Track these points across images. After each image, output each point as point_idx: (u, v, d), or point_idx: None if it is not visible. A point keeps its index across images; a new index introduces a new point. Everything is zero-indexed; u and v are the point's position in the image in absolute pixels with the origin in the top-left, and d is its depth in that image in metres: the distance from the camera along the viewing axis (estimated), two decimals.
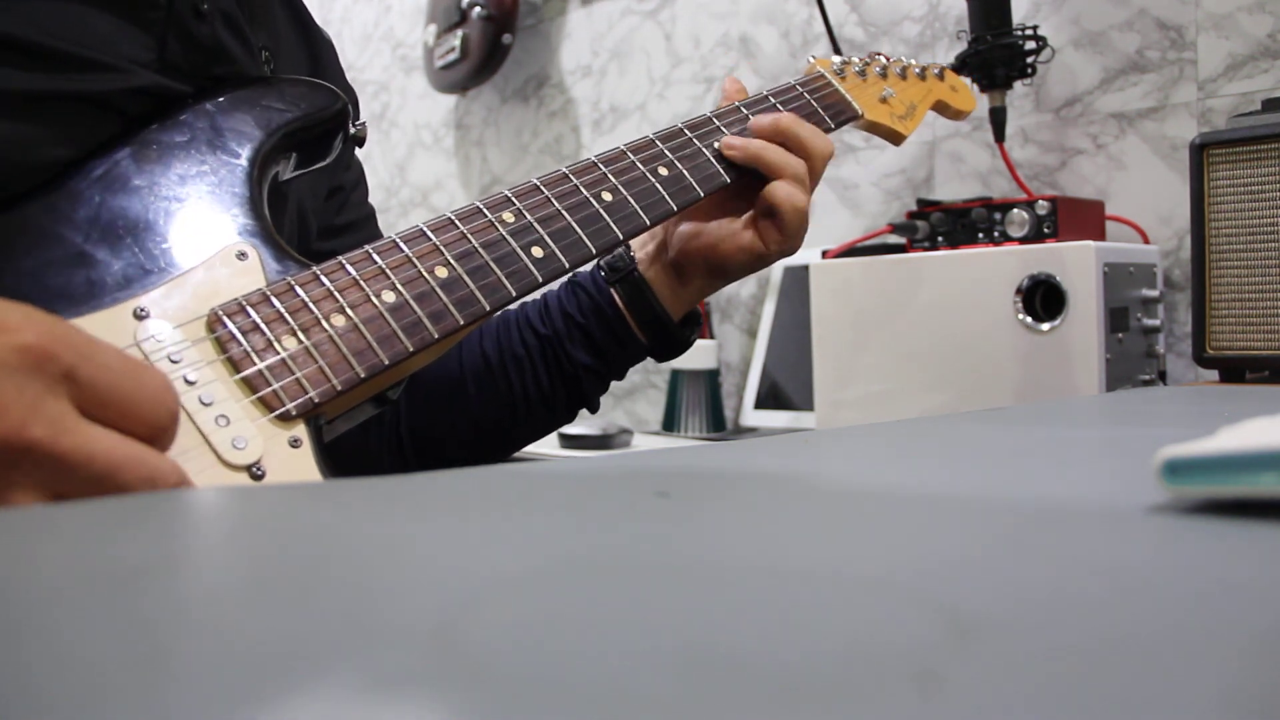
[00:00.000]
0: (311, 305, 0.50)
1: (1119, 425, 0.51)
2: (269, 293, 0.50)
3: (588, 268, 0.69)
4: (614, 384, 0.77)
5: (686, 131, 0.69)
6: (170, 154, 0.54)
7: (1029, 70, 1.08)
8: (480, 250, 0.56)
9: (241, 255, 0.52)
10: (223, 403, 0.46)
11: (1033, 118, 1.21)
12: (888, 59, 0.83)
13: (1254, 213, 0.79)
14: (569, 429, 1.25)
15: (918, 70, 0.85)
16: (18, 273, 0.48)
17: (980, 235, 1.01)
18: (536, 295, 0.71)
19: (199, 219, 0.53)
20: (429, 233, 0.56)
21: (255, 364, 0.48)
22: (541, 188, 0.61)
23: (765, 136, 0.70)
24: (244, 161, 0.56)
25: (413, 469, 0.75)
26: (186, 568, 0.23)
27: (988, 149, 1.24)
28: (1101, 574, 0.21)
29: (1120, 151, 1.14)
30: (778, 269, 1.41)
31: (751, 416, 1.40)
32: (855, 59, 0.81)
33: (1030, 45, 1.07)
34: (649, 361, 0.79)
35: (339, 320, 0.50)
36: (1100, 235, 1.04)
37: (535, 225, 0.59)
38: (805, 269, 1.13)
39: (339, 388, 0.49)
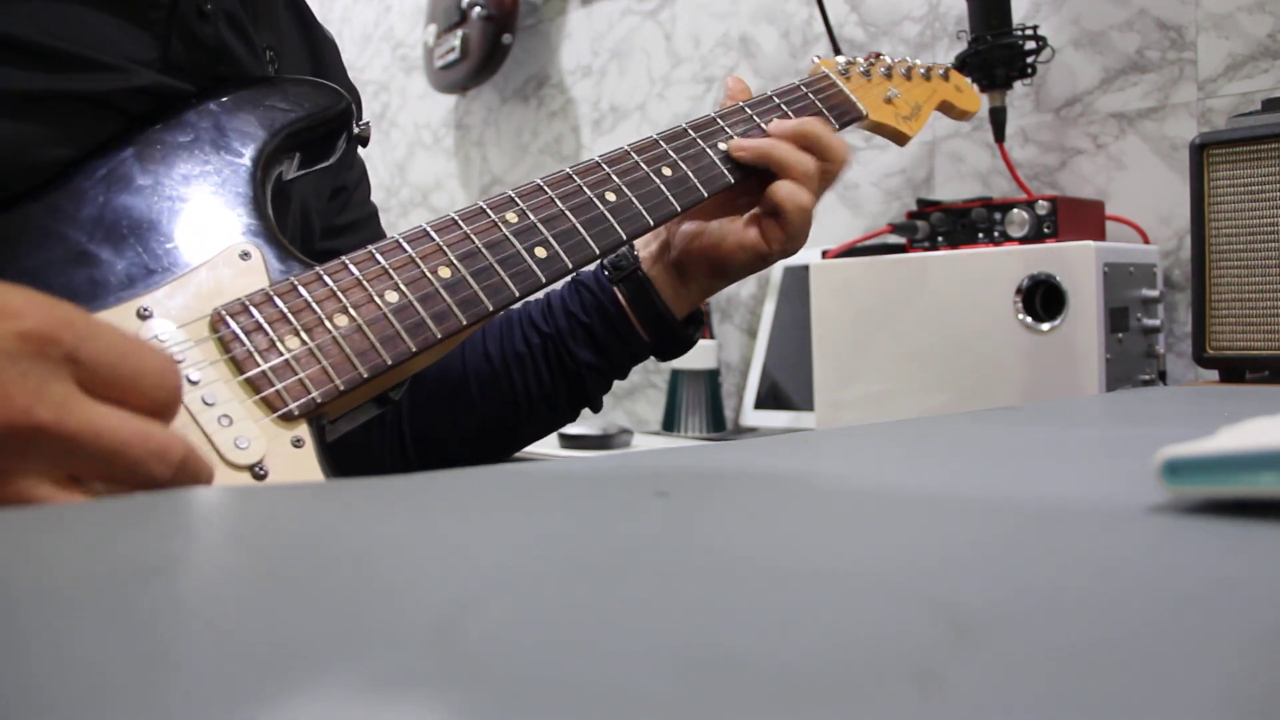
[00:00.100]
0: (314, 305, 0.50)
1: (1119, 425, 0.51)
2: (272, 293, 0.50)
3: (591, 267, 0.69)
4: (614, 384, 0.77)
5: (690, 132, 0.68)
6: (174, 153, 0.54)
7: (1029, 70, 1.08)
8: (484, 250, 0.56)
9: (245, 255, 0.52)
10: (226, 403, 0.46)
11: (1033, 118, 1.21)
12: (892, 59, 0.83)
13: (1254, 213, 0.79)
14: (569, 429, 1.25)
15: (922, 70, 0.85)
16: (20, 272, 0.48)
17: (980, 235, 1.01)
18: (539, 295, 0.71)
19: (202, 219, 0.53)
20: (432, 233, 0.56)
21: (258, 364, 0.48)
22: (545, 188, 0.61)
23: (788, 137, 0.69)
24: (247, 161, 0.56)
25: (415, 469, 0.75)
26: (188, 567, 0.23)
27: (988, 149, 1.24)
28: (1101, 574, 0.21)
29: (1120, 151, 1.14)
30: (778, 269, 1.41)
31: (751, 416, 1.40)
32: (860, 59, 0.81)
33: (1030, 45, 1.07)
34: (649, 361, 0.79)
35: (342, 320, 0.50)
36: (1100, 235, 1.04)
37: (539, 225, 0.59)
38: (805, 269, 1.13)
39: (342, 388, 0.49)
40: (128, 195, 0.52)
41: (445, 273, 0.54)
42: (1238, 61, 1.05)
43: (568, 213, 0.60)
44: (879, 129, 0.80)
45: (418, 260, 0.54)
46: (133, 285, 0.49)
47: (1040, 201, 0.97)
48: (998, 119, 1.09)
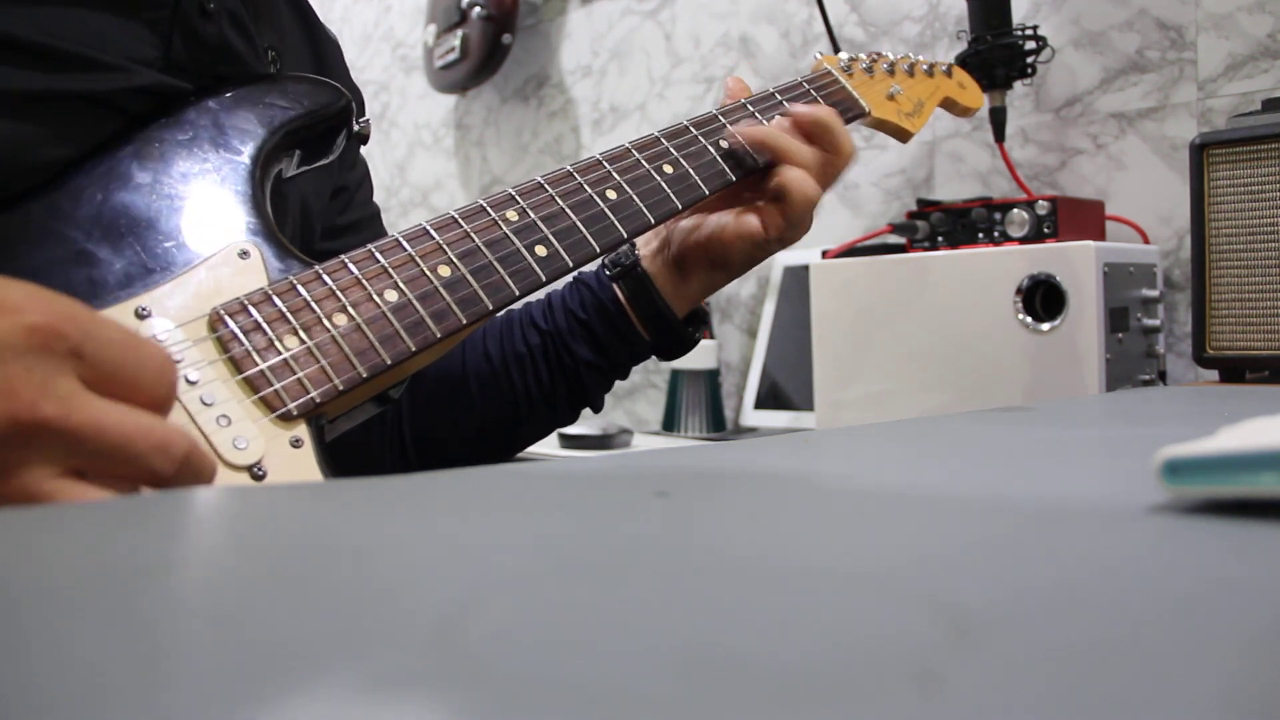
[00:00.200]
0: (313, 304, 0.50)
1: (1119, 425, 0.51)
2: (271, 292, 0.50)
3: (594, 265, 0.69)
4: (615, 384, 0.76)
5: (692, 129, 0.68)
6: (173, 152, 0.54)
7: (1029, 70, 1.08)
8: (483, 249, 0.56)
9: (244, 254, 0.52)
10: (224, 403, 0.46)
11: (1033, 118, 1.21)
12: (894, 56, 0.83)
13: (1254, 213, 0.79)
14: (569, 429, 1.25)
15: (925, 67, 0.84)
16: (19, 272, 0.48)
17: (980, 235, 1.01)
18: (541, 294, 0.70)
19: (201, 217, 0.53)
20: (432, 231, 0.56)
21: (257, 364, 0.48)
22: (545, 186, 0.61)
23: (801, 125, 0.69)
24: (246, 159, 0.56)
25: (415, 469, 0.75)
26: (187, 568, 0.23)
27: (988, 149, 1.24)
28: (1102, 574, 0.21)
29: (1120, 151, 1.14)
30: (778, 269, 1.41)
31: (751, 416, 1.40)
32: (862, 55, 0.81)
33: (1030, 45, 1.08)
34: (649, 361, 0.79)
35: (341, 319, 0.50)
36: (1100, 235, 1.04)
37: (539, 224, 0.59)
38: (805, 269, 1.13)
39: (341, 387, 0.49)
40: (126, 194, 0.52)
41: (445, 271, 0.54)
42: (1238, 61, 1.05)
43: (568, 211, 0.60)
44: (881, 126, 0.80)
45: (417, 259, 0.54)
46: (131, 284, 0.49)
47: (1040, 201, 0.97)
48: (998, 119, 1.09)
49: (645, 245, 0.73)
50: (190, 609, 0.19)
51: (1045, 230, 0.97)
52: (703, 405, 1.41)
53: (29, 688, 0.15)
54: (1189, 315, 0.91)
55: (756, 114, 0.71)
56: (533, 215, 0.59)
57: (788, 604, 0.19)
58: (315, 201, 0.70)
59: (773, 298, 1.42)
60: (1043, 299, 0.93)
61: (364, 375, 0.50)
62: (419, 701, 0.14)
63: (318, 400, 0.48)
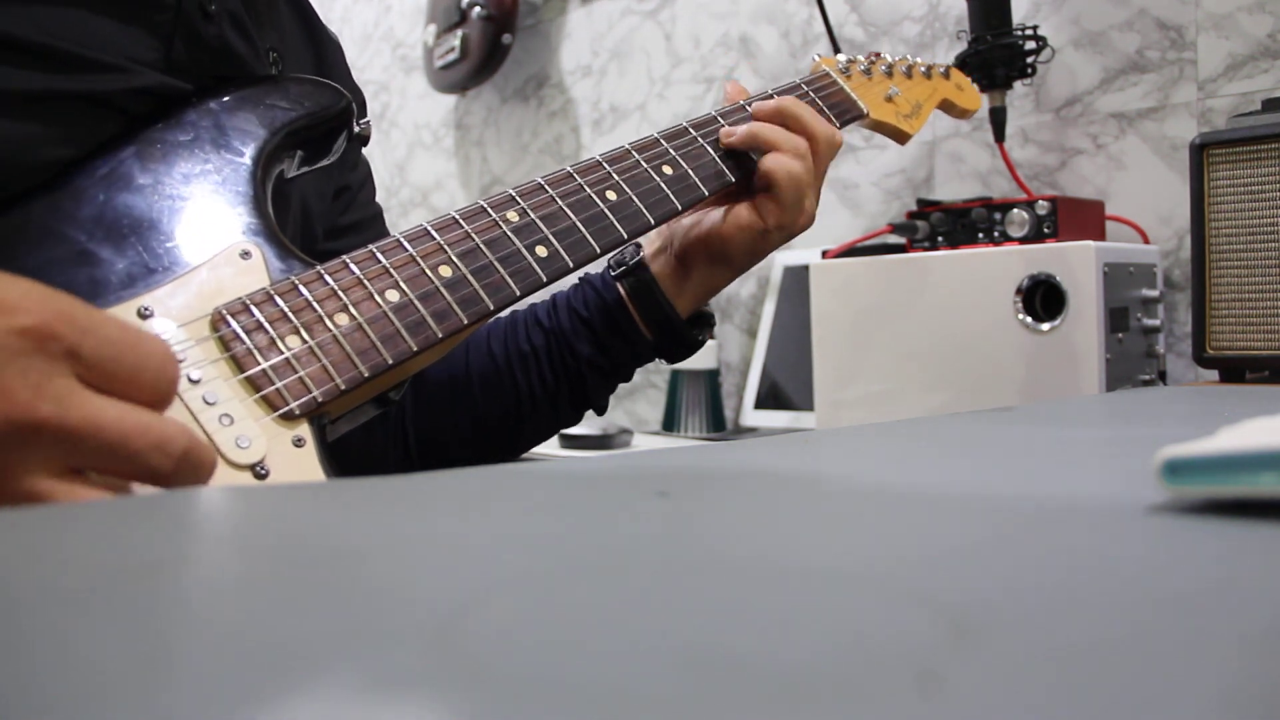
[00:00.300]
0: (315, 304, 0.50)
1: (1119, 425, 0.51)
2: (272, 291, 0.50)
3: (599, 266, 0.69)
4: (617, 385, 0.76)
5: (691, 130, 0.68)
6: (174, 152, 0.54)
7: (1029, 70, 1.08)
8: (484, 249, 0.56)
9: (245, 254, 0.52)
10: (226, 402, 0.46)
11: (1033, 118, 1.21)
12: (893, 57, 0.83)
13: (1254, 213, 0.79)
14: (569, 429, 1.25)
15: (923, 69, 0.85)
16: (20, 271, 0.48)
17: (980, 235, 1.01)
18: (546, 295, 0.70)
19: (203, 218, 0.53)
20: (433, 232, 0.56)
21: (259, 363, 0.48)
22: (546, 186, 0.61)
23: (766, 118, 0.70)
24: (248, 160, 0.56)
25: (418, 469, 0.75)
26: (188, 567, 0.23)
27: (988, 149, 1.24)
28: (1102, 574, 0.21)
29: (1120, 151, 1.14)
30: (778, 269, 1.41)
31: (751, 416, 1.40)
32: (861, 57, 0.81)
33: (1030, 45, 1.07)
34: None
35: (343, 319, 0.50)
36: (1100, 235, 1.04)
37: (539, 224, 0.59)
38: (805, 269, 1.13)
39: (342, 387, 0.49)
40: (128, 194, 0.52)
41: (446, 271, 0.54)
42: (1238, 61, 1.05)
43: (568, 211, 0.60)
44: (880, 127, 0.80)
45: (418, 259, 0.54)
46: (133, 284, 0.49)
47: (1040, 201, 0.97)
48: (998, 119, 1.09)
49: (649, 245, 0.73)
50: (191, 609, 0.19)
51: (1045, 230, 0.97)
52: (703, 405, 1.41)
53: (29, 687, 0.15)
54: (1189, 315, 0.91)
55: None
56: (533, 216, 0.59)
57: (788, 604, 0.19)
58: (317, 202, 0.70)
59: (773, 298, 1.42)
60: (1043, 299, 0.93)
61: (365, 374, 0.50)
62: (419, 701, 0.14)
63: (320, 399, 0.48)
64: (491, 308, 0.55)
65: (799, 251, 1.37)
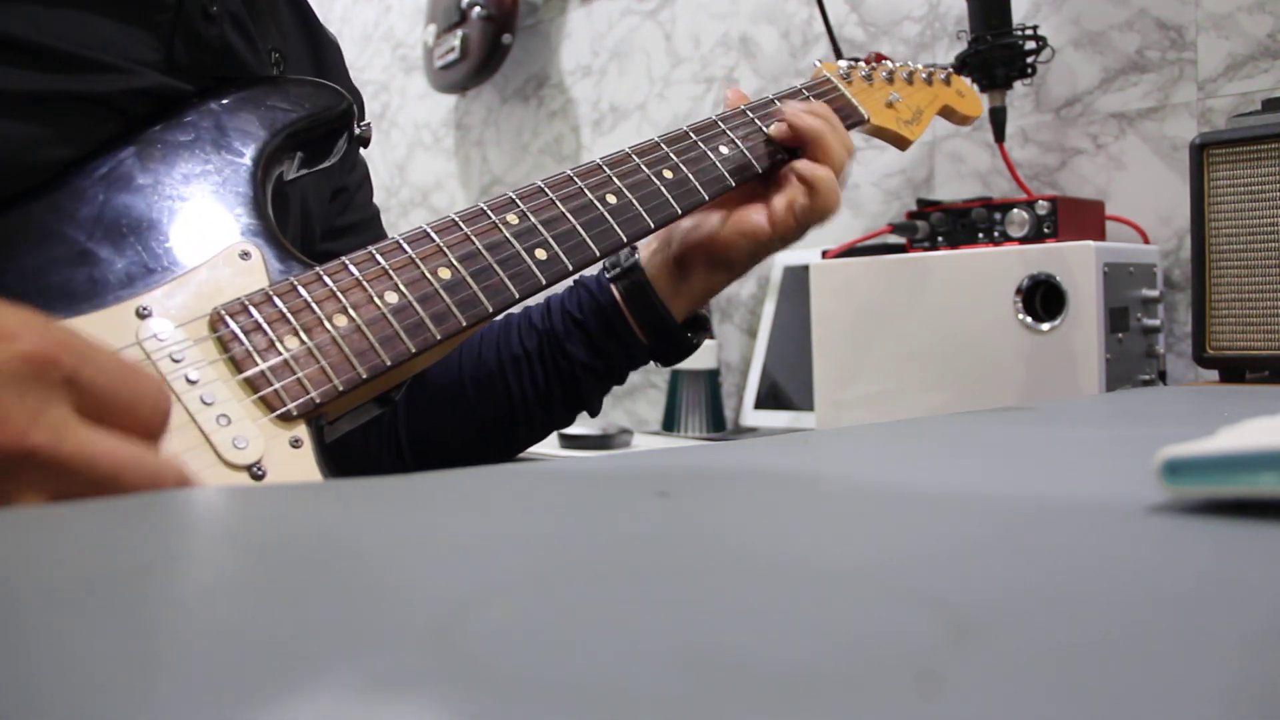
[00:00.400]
0: (314, 305, 0.50)
1: (1119, 425, 0.51)
2: (271, 292, 0.50)
3: (595, 268, 0.69)
4: (611, 388, 0.76)
5: (691, 134, 0.68)
6: (175, 153, 0.54)
7: (1029, 70, 1.08)
8: (484, 252, 0.56)
9: (245, 255, 0.52)
10: (224, 402, 0.46)
11: (1033, 118, 1.21)
12: (894, 63, 0.83)
13: (1254, 213, 0.79)
14: (569, 429, 1.25)
15: (924, 75, 0.85)
16: (20, 271, 0.48)
17: (980, 235, 1.01)
18: (541, 298, 0.70)
19: (202, 218, 0.53)
20: (432, 234, 0.56)
21: (257, 364, 0.48)
22: (546, 190, 0.61)
23: (815, 118, 0.70)
24: (248, 161, 0.56)
25: (411, 471, 0.75)
26: (187, 567, 0.23)
27: (988, 149, 1.24)
28: (1102, 573, 0.21)
29: (1120, 151, 1.14)
30: (778, 269, 1.41)
31: (751, 416, 1.40)
32: (861, 62, 0.81)
33: (1030, 45, 1.07)
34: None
35: (341, 321, 0.50)
36: (1100, 235, 1.04)
37: (539, 227, 0.59)
38: (805, 269, 1.13)
39: (341, 388, 0.49)
40: (128, 194, 0.52)
41: (445, 274, 0.54)
42: (1238, 61, 1.05)
43: (568, 215, 0.60)
44: (880, 133, 0.80)
45: (418, 261, 0.54)
46: (132, 284, 0.49)
47: (1040, 201, 0.97)
48: (998, 119, 1.09)
49: (645, 247, 0.73)
50: (190, 609, 0.19)
51: (1045, 230, 0.97)
52: (703, 405, 1.41)
53: (28, 687, 0.15)
54: (1189, 315, 0.91)
55: (756, 119, 0.71)
56: (533, 219, 0.59)
57: (788, 603, 0.19)
58: (316, 203, 0.70)
59: (773, 298, 1.42)
60: (1043, 299, 0.93)
61: (364, 376, 0.50)
62: (419, 701, 0.14)
63: (317, 400, 0.48)
64: (490, 310, 0.55)
65: (799, 251, 1.37)
